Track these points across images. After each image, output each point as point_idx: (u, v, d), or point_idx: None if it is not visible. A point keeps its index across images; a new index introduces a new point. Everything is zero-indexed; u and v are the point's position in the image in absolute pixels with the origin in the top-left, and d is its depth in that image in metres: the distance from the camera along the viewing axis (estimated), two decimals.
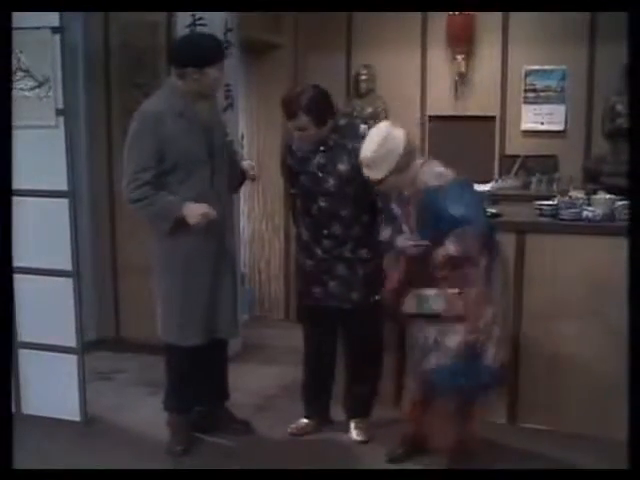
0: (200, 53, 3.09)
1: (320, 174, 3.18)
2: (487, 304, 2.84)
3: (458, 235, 2.78)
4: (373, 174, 2.88)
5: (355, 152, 3.05)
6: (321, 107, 3.11)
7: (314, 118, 3.07)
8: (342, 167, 3.15)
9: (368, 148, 2.87)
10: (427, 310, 2.89)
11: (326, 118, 3.13)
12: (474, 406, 2.97)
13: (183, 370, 3.28)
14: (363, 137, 3.09)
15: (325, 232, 3.21)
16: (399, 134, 2.90)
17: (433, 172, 2.91)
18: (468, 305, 2.82)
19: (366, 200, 3.20)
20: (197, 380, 3.33)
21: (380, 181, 2.89)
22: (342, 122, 3.23)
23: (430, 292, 2.88)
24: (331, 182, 3.17)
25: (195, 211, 3.04)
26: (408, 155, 2.88)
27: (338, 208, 3.19)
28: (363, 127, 3.30)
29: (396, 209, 2.99)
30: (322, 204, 3.19)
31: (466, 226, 2.77)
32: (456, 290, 2.83)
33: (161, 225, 3.10)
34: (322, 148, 3.17)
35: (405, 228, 2.96)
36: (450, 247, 2.79)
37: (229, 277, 3.30)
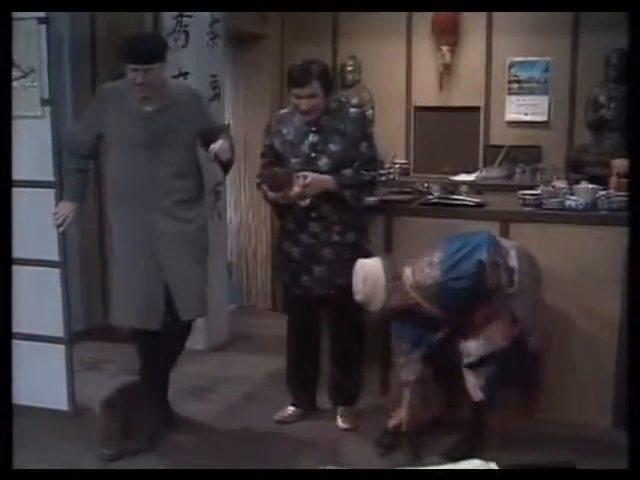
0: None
1: (313, 154, 3.22)
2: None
3: (487, 270, 2.90)
4: (371, 307, 2.99)
5: (346, 133, 3.20)
6: (329, 75, 3.25)
7: (324, 85, 3.16)
8: (334, 147, 3.20)
9: (357, 288, 2.98)
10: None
11: (331, 88, 3.24)
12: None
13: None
14: (353, 119, 3.24)
15: (313, 215, 3.23)
16: (374, 266, 2.96)
17: (424, 270, 2.93)
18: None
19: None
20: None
21: (383, 309, 2.98)
22: (334, 105, 3.28)
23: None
24: (324, 161, 3.21)
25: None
26: (393, 278, 2.94)
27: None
28: (353, 110, 3.34)
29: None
30: (308, 175, 3.19)
31: (488, 260, 2.89)
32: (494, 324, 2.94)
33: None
34: (314, 129, 3.22)
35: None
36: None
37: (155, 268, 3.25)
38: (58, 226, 3.33)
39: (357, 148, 3.23)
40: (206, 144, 3.18)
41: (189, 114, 3.20)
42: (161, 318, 3.25)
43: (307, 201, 3.18)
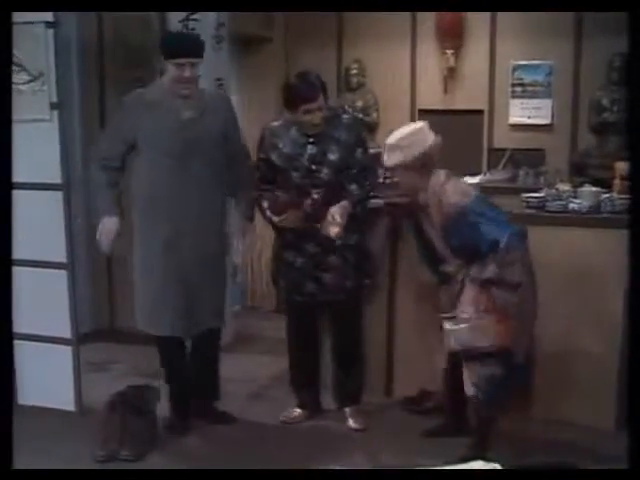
0: (162, 45, 3.16)
1: (313, 166, 3.20)
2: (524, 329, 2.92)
3: (498, 258, 2.85)
4: (389, 159, 2.97)
5: (341, 141, 3.19)
6: (325, 84, 3.24)
7: (325, 95, 3.18)
8: (332, 157, 3.20)
9: (396, 134, 2.97)
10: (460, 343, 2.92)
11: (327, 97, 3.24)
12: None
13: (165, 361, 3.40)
14: (347, 126, 3.22)
15: (319, 225, 3.19)
16: (431, 136, 2.99)
17: (458, 189, 2.96)
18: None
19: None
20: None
21: (391, 168, 2.98)
22: (327, 114, 3.24)
23: (461, 326, 2.91)
24: (324, 172, 3.20)
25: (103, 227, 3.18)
26: (429, 157, 2.94)
27: (332, 198, 3.19)
28: (345, 117, 3.33)
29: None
30: (316, 196, 3.21)
31: (504, 248, 2.85)
32: (489, 318, 2.86)
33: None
34: (311, 140, 3.21)
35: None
36: (491, 269, 2.86)
37: (199, 273, 3.25)
38: (104, 244, 3.22)
39: (353, 155, 3.22)
40: (228, 168, 3.24)
41: (220, 120, 3.21)
42: (180, 324, 3.27)
43: (338, 230, 3.12)
